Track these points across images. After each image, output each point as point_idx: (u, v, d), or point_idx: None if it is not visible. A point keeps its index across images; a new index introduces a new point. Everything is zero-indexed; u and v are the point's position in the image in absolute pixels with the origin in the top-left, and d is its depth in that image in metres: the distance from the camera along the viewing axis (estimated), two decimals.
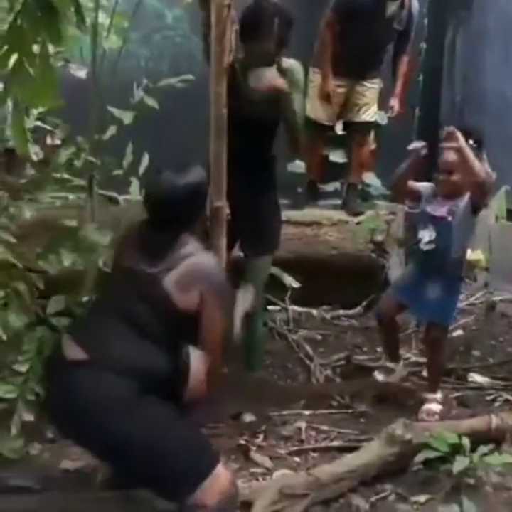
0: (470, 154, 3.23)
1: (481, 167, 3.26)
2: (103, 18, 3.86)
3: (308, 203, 5.12)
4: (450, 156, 3.33)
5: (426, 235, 3.42)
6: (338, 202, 5.32)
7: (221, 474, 2.44)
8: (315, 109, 4.87)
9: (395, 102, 5.03)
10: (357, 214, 4.95)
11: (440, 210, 3.41)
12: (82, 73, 3.89)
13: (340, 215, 4.95)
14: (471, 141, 3.32)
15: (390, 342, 3.78)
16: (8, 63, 1.85)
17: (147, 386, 2.41)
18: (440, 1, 5.20)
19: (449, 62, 5.36)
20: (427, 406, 3.48)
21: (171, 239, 2.56)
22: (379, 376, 3.77)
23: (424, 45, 5.44)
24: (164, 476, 2.41)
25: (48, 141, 4.01)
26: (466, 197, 3.37)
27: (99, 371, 2.41)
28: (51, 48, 2.79)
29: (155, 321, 2.48)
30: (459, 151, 3.26)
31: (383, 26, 4.74)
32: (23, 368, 3.03)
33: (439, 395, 3.55)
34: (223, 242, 3.21)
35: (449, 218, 3.38)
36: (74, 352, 2.47)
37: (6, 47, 1.82)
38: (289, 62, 3.41)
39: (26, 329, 3.12)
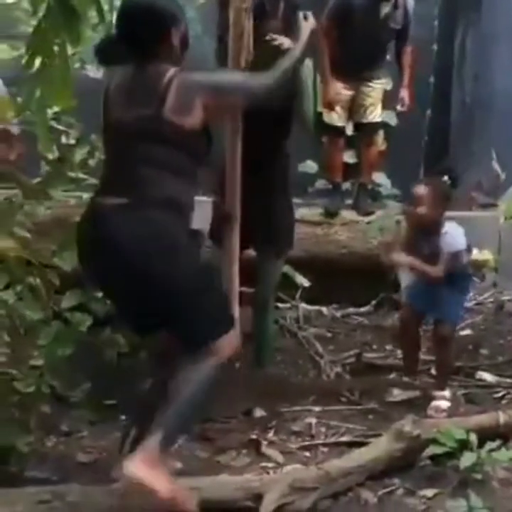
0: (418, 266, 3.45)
1: (434, 270, 3.41)
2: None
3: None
4: (420, 190, 3.43)
5: (405, 280, 3.64)
6: (349, 202, 5.38)
7: (234, 337, 2.70)
8: (326, 113, 4.93)
9: (404, 94, 5.09)
10: (367, 214, 5.00)
11: (424, 248, 3.47)
12: (98, 74, 3.97)
13: (350, 214, 5.01)
14: (445, 178, 3.44)
15: (409, 355, 3.77)
16: (34, 65, 1.92)
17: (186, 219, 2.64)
18: (450, 3, 5.24)
19: (459, 64, 5.40)
20: (435, 403, 3.52)
21: (149, 73, 2.62)
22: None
23: (435, 46, 5.49)
24: (198, 315, 2.62)
25: (63, 140, 4.08)
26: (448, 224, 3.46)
27: (142, 209, 2.56)
28: (68, 50, 2.87)
29: (173, 155, 2.60)
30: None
31: (379, 27, 4.84)
32: (38, 362, 3.12)
33: (447, 393, 3.59)
34: (236, 241, 3.27)
35: (433, 252, 3.44)
36: (111, 199, 2.59)
37: (31, 49, 1.89)
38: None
39: (41, 324, 3.20)
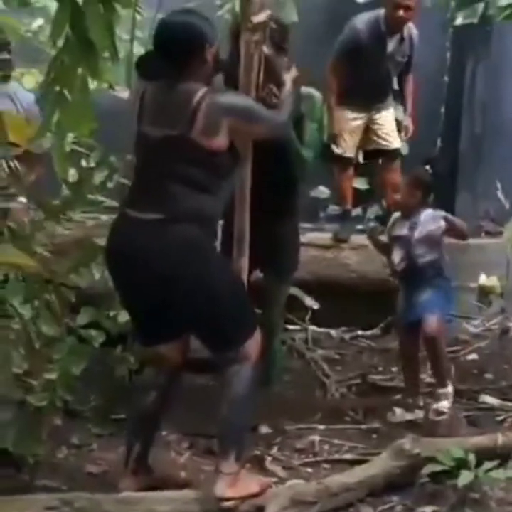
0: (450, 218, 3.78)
1: (461, 222, 3.81)
2: (138, 48, 4.09)
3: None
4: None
5: (396, 257, 3.78)
6: (360, 227, 5.48)
7: (258, 335, 2.86)
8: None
9: (408, 122, 5.15)
10: None
11: (402, 230, 3.79)
12: (125, 94, 4.11)
13: (359, 239, 5.10)
14: (427, 167, 3.88)
15: (408, 375, 3.87)
16: (52, 93, 2.05)
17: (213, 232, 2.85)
18: (461, 36, 5.36)
19: (469, 95, 5.51)
20: (436, 405, 3.62)
21: (180, 91, 2.74)
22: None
23: (446, 78, 5.61)
24: (226, 321, 2.79)
25: (84, 163, 4.22)
26: (427, 210, 3.77)
27: (177, 224, 2.71)
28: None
29: (200, 173, 2.73)
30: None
31: (387, 61, 4.91)
32: (52, 376, 3.21)
33: (450, 389, 3.68)
34: (246, 262, 3.38)
35: (409, 234, 3.74)
36: (145, 215, 2.74)
37: (50, 79, 2.03)
38: (308, 90, 3.60)
39: (57, 339, 3.32)
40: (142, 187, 2.84)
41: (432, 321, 3.67)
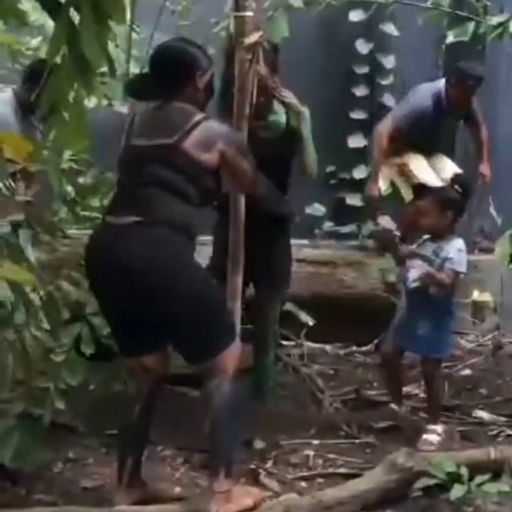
0: (432, 272, 3.58)
1: (444, 277, 3.57)
2: (134, 67, 4.17)
3: None
4: (422, 200, 3.69)
5: (413, 274, 3.64)
6: (355, 243, 5.53)
7: (237, 348, 2.88)
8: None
9: (484, 169, 5.00)
10: None
11: (427, 250, 3.65)
12: (124, 109, 4.17)
13: (355, 255, 5.15)
14: (456, 187, 3.65)
15: (391, 384, 3.91)
16: (49, 109, 2.10)
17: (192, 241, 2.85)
18: (453, 54, 5.43)
19: None
20: (425, 436, 3.61)
21: (177, 110, 2.86)
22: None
23: None
24: (200, 331, 2.80)
25: (80, 180, 4.27)
26: (454, 240, 3.62)
27: (154, 227, 2.75)
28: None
29: (185, 183, 2.80)
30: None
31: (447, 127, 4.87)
32: (58, 358, 3.30)
33: (439, 427, 3.68)
34: (239, 279, 3.41)
35: (433, 257, 3.60)
36: (123, 219, 2.79)
37: (45, 96, 2.08)
38: (300, 107, 3.66)
39: (65, 324, 3.35)
40: (122, 195, 2.92)
41: (433, 361, 3.70)
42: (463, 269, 3.60)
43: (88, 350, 3.44)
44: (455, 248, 3.60)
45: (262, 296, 3.78)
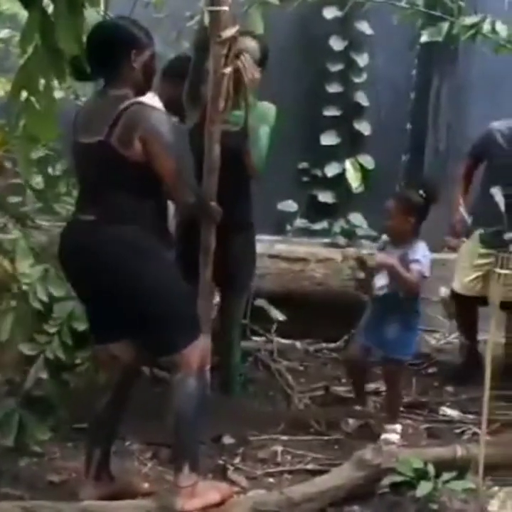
0: (399, 270, 3.54)
1: (411, 276, 3.55)
2: None
3: None
4: (389, 203, 3.64)
5: (379, 281, 3.65)
6: (326, 240, 5.55)
7: (203, 342, 2.88)
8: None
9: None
10: None
11: (391, 257, 3.62)
12: None
13: (326, 252, 5.16)
14: (421, 192, 3.63)
15: (356, 385, 3.92)
16: (19, 98, 2.08)
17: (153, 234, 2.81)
18: (427, 53, 5.46)
19: (434, 112, 5.60)
20: (385, 436, 3.63)
21: (110, 98, 2.78)
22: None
23: (412, 95, 5.71)
24: (163, 324, 2.80)
25: (50, 171, 4.21)
26: (417, 244, 3.63)
27: (110, 225, 2.77)
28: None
29: (129, 179, 2.76)
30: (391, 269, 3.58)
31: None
32: (51, 330, 3.36)
33: (397, 426, 3.71)
34: (210, 272, 3.41)
35: (400, 263, 3.57)
36: (84, 217, 2.84)
37: (17, 86, 2.05)
38: (265, 105, 3.65)
39: (59, 300, 3.40)
40: (81, 191, 2.95)
41: (396, 362, 3.72)
42: (428, 273, 3.61)
43: (80, 326, 3.41)
44: (420, 253, 3.61)
45: (225, 296, 3.79)
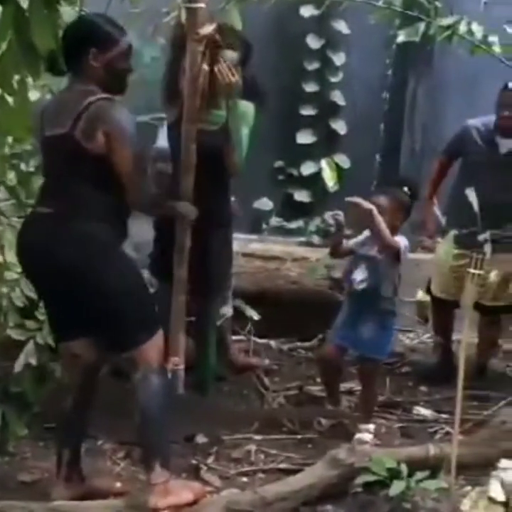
0: (378, 218, 3.49)
1: (390, 236, 3.53)
2: None
3: None
4: (380, 200, 3.61)
5: (359, 275, 3.62)
6: (302, 239, 5.56)
7: (160, 340, 2.84)
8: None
9: None
10: None
11: (371, 250, 3.64)
12: None
13: (301, 251, 5.16)
14: (405, 189, 3.65)
15: (329, 385, 3.91)
16: None
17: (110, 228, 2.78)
18: (402, 54, 5.48)
19: (409, 113, 5.63)
20: (359, 435, 3.63)
21: (75, 93, 2.76)
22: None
23: (386, 95, 5.73)
24: (118, 319, 2.77)
25: (23, 167, 4.17)
26: (402, 238, 3.62)
27: (68, 219, 2.76)
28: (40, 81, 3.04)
29: (91, 173, 2.75)
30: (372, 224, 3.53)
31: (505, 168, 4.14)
32: (41, 317, 3.34)
33: (371, 426, 3.72)
34: (184, 272, 3.39)
35: (379, 257, 3.60)
36: (43, 209, 2.82)
37: None
38: (244, 104, 3.62)
39: None
40: (44, 184, 2.94)
41: (372, 361, 3.73)
42: (403, 258, 3.60)
43: None
44: (401, 245, 3.61)
45: (201, 296, 3.76)
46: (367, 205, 3.53)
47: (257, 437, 3.65)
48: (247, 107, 3.67)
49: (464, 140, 4.29)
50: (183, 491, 2.90)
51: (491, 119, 4.18)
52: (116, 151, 2.73)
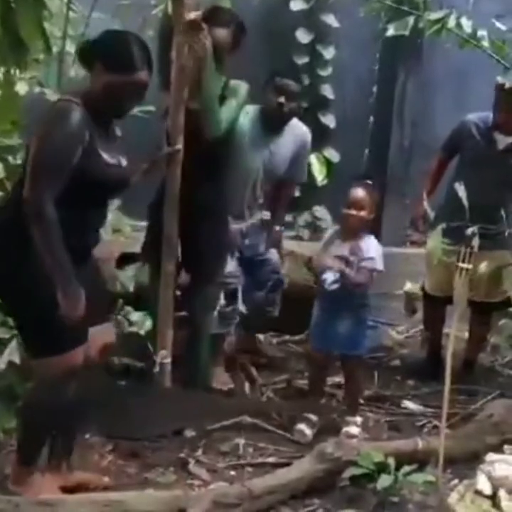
0: (347, 273, 3.53)
1: (359, 277, 3.55)
2: (70, 47, 4.06)
3: None
4: (359, 193, 3.58)
5: (330, 276, 3.56)
6: (291, 233, 5.55)
7: (73, 358, 2.73)
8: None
9: None
10: None
11: (342, 250, 3.60)
12: (55, 97, 4.07)
13: (290, 245, 5.15)
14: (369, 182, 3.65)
15: (314, 380, 3.90)
16: None
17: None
18: (391, 49, 5.48)
19: (398, 108, 5.62)
20: (346, 429, 3.64)
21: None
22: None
23: (375, 89, 5.73)
24: (24, 330, 2.78)
25: (10, 159, 4.15)
26: (367, 237, 3.62)
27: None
28: (27, 74, 3.02)
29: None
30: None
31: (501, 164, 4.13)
32: None
33: (358, 419, 3.73)
34: (173, 266, 3.39)
35: (351, 258, 3.56)
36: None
37: None
38: (236, 82, 3.64)
39: None
40: None
41: (355, 358, 3.73)
42: (382, 266, 3.59)
43: None
44: (374, 247, 3.60)
45: (193, 284, 3.75)
46: (337, 265, 3.53)
47: (245, 431, 3.64)
48: (239, 85, 3.66)
49: (462, 135, 4.26)
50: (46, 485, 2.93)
51: (489, 115, 4.16)
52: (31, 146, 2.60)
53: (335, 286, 3.55)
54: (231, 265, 3.95)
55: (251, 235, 4.06)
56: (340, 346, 3.69)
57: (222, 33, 3.48)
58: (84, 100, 2.62)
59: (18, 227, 2.60)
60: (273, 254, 4.21)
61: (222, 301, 4.02)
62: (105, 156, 2.68)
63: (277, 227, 4.19)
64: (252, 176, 3.89)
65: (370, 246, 3.59)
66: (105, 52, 2.64)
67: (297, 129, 4.02)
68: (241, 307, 4.13)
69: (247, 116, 3.83)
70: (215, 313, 3.97)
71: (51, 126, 2.57)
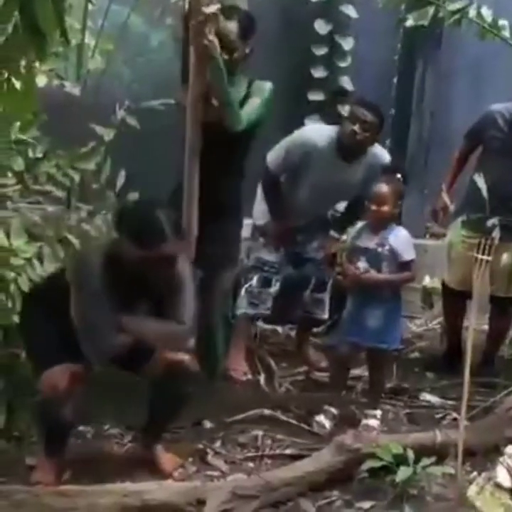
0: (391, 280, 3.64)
1: (403, 276, 3.66)
2: (89, 39, 4.06)
3: None
4: (383, 188, 3.59)
5: (360, 267, 3.60)
6: None
7: (58, 377, 2.88)
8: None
9: None
10: None
11: (370, 242, 3.62)
12: (76, 90, 4.08)
13: None
14: (398, 176, 3.66)
15: (336, 376, 3.89)
16: None
17: None
18: (410, 39, 5.43)
19: (417, 99, 5.59)
20: (365, 421, 3.65)
21: None
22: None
23: (395, 80, 5.69)
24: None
25: (30, 153, 4.16)
26: (396, 229, 3.64)
27: None
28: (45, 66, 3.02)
29: None
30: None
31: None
32: None
33: (378, 412, 3.73)
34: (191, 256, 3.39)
35: (379, 249, 3.59)
36: None
37: None
38: (261, 81, 3.66)
39: None
40: None
41: (382, 353, 3.73)
42: (410, 256, 3.62)
43: None
44: (401, 238, 3.62)
45: (208, 275, 3.74)
46: (379, 278, 3.61)
47: (264, 422, 3.64)
48: (263, 84, 3.67)
49: (487, 125, 4.18)
50: None
51: None
52: None
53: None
54: (271, 256, 4.10)
55: (304, 233, 4.18)
56: (370, 339, 3.67)
57: (229, 26, 3.45)
58: None
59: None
60: (321, 255, 4.26)
61: (254, 282, 4.05)
62: None
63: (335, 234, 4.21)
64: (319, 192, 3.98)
65: (399, 238, 3.62)
66: (129, 226, 2.80)
67: (376, 158, 4.01)
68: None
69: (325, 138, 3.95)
70: (244, 292, 4.09)
71: None
